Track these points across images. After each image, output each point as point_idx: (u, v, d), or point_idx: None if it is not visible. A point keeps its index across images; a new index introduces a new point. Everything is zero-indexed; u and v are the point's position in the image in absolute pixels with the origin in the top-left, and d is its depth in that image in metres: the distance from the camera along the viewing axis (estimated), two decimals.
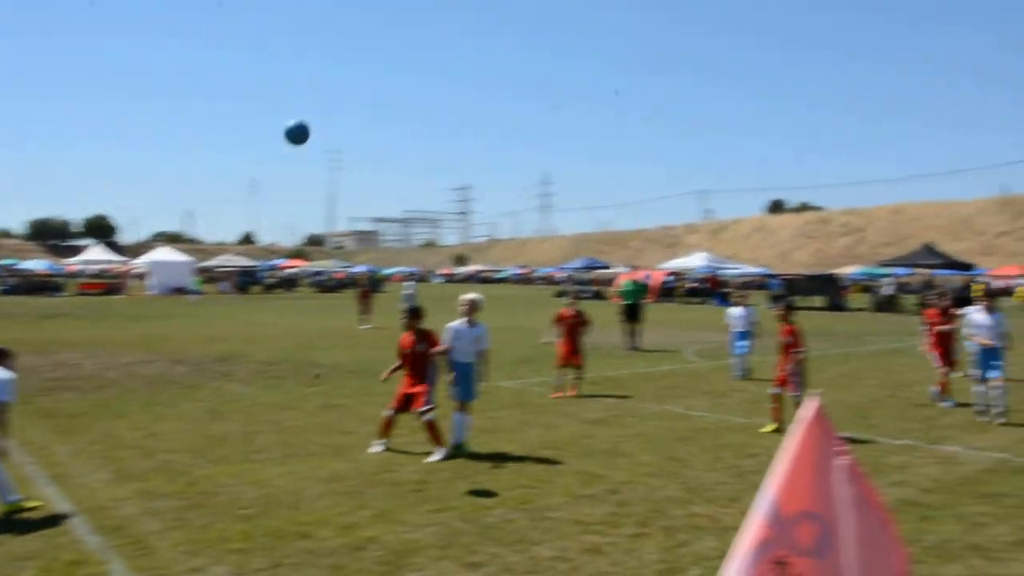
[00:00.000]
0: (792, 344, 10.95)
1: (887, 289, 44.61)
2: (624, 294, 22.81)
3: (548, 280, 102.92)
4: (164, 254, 65.24)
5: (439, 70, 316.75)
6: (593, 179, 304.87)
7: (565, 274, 79.21)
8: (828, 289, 43.92)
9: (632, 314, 21.96)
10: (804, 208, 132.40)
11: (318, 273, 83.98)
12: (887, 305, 42.76)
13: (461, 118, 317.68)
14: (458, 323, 9.77)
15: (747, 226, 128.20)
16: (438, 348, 9.67)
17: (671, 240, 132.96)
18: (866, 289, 53.31)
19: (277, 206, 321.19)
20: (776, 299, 12.41)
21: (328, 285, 74.16)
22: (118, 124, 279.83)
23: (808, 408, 3.42)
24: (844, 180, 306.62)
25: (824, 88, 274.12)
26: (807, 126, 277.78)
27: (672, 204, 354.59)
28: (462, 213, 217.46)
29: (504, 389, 14.33)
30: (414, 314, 9.94)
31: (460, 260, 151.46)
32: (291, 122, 8.96)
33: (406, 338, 9.81)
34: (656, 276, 55.39)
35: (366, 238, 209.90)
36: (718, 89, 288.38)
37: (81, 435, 10.23)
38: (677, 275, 57.69)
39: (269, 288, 69.02)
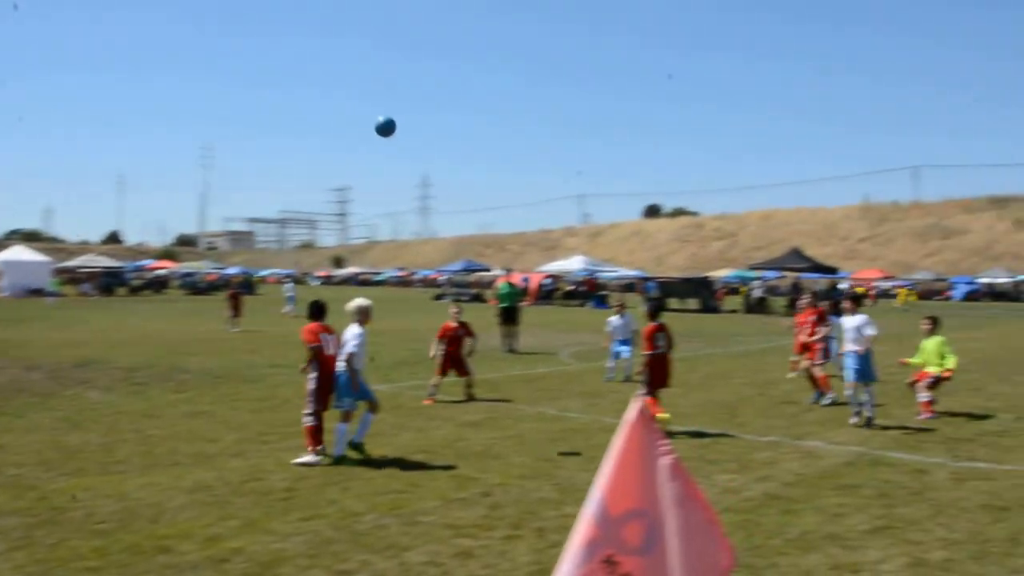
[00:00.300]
0: (646, 345, 11.08)
1: (757, 291, 46.13)
2: (500, 297, 22.76)
3: (427, 283, 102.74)
4: (18, 253, 62.04)
5: (316, 70, 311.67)
6: (473, 182, 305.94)
7: (445, 276, 79.11)
8: (702, 291, 45.12)
9: (509, 317, 22.00)
10: (679, 213, 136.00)
11: (189, 275, 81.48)
12: (757, 307, 44.24)
13: (340, 118, 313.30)
14: (359, 329, 9.49)
15: (624, 230, 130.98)
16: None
17: (550, 243, 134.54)
18: (737, 291, 55.09)
19: (146, 204, 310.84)
20: (649, 301, 12.57)
21: (200, 287, 72.11)
22: None
23: (632, 409, 3.45)
24: (717, 186, 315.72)
25: (699, 93, 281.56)
26: (682, 132, 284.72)
27: (551, 208, 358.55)
28: (340, 214, 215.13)
29: (379, 393, 14.10)
30: (319, 310, 9.75)
31: (338, 262, 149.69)
32: (381, 118, 9.17)
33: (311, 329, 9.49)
34: (534, 279, 55.85)
35: (240, 239, 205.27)
36: (596, 94, 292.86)
37: None
38: (555, 278, 58.34)
39: (136, 290, 66.58)
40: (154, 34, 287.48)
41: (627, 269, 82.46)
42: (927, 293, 73.34)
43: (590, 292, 53.81)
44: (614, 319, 16.44)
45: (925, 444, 10.32)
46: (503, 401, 13.42)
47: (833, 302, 12.23)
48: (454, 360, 14.03)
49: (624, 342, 16.17)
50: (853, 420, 11.53)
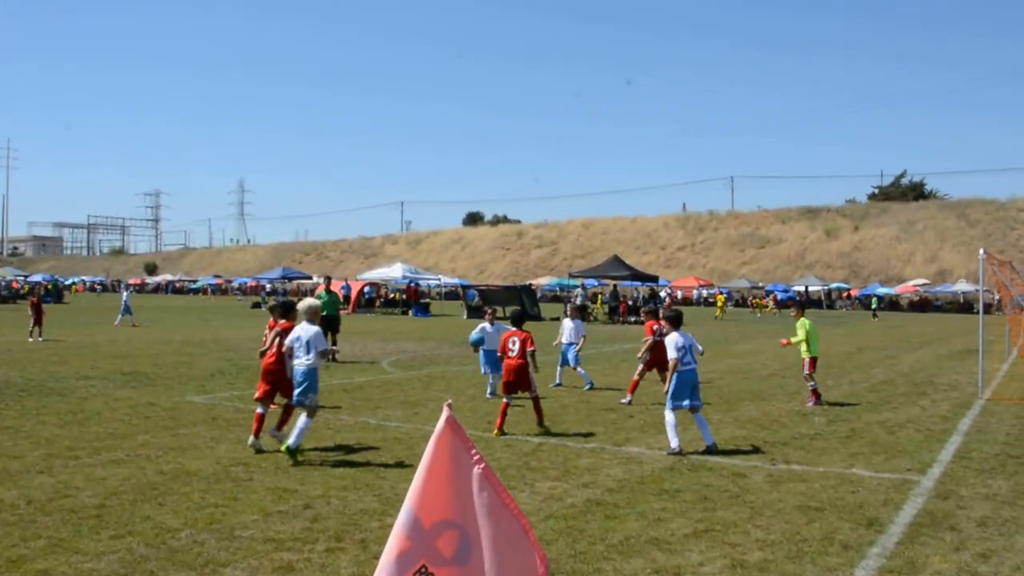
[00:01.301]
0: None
1: (578, 299, 47.21)
2: (320, 305, 22.33)
3: (245, 291, 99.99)
4: None
5: (123, 65, 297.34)
6: (290, 188, 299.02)
7: (265, 284, 77.24)
8: (523, 299, 45.77)
9: (329, 325, 21.64)
10: (501, 221, 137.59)
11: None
12: (579, 313, 45.37)
13: (153, 121, 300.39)
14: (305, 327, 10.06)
15: (446, 238, 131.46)
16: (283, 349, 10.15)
17: (370, 251, 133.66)
18: (558, 298, 56.21)
19: None
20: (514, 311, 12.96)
21: (2, 296, 67.58)
22: None
23: (441, 418, 3.50)
24: (538, 195, 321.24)
25: (520, 101, 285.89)
26: (504, 139, 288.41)
27: (371, 215, 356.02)
28: (153, 220, 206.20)
29: (193, 404, 13.74)
30: (287, 308, 10.88)
31: (151, 269, 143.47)
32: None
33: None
34: (355, 286, 55.33)
35: (47, 244, 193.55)
36: (415, 101, 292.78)
37: None
38: (376, 285, 57.99)
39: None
40: None
41: (449, 277, 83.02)
42: (741, 301, 77.16)
43: (411, 300, 53.80)
44: (568, 322, 17.29)
45: (743, 449, 10.78)
46: (320, 410, 13.28)
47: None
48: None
49: (571, 346, 16.97)
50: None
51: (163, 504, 7.71)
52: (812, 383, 14.93)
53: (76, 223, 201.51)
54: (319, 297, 22.84)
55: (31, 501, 7.69)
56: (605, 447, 10.77)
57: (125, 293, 40.42)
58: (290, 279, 72.56)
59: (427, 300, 60.09)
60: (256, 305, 61.61)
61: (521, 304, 44.30)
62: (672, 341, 10.73)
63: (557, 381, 16.70)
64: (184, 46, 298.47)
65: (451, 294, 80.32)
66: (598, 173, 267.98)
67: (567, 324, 17.21)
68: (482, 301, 45.66)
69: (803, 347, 15.05)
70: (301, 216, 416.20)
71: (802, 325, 15.15)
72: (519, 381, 11.56)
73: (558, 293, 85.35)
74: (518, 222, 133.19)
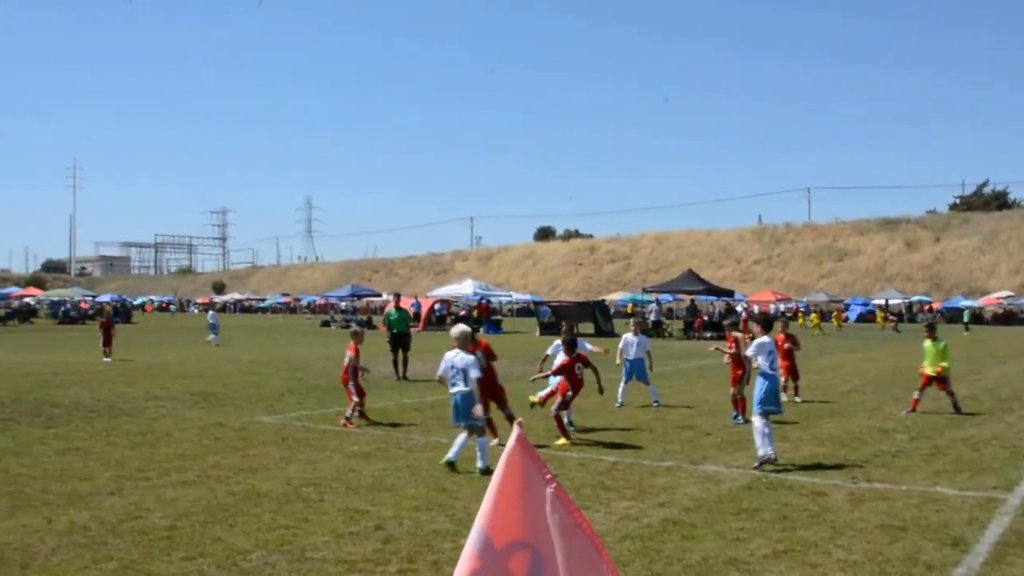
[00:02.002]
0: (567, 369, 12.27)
1: (652, 314, 46.85)
2: (390, 322, 22.52)
3: (313, 309, 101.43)
4: None
5: (194, 86, 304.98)
6: (359, 205, 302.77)
7: (335, 302, 78.29)
8: (596, 315, 45.64)
9: (399, 343, 21.84)
10: (572, 236, 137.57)
11: (59, 303, 78.66)
12: (653, 330, 44.98)
13: (219, 138, 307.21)
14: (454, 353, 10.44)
15: (516, 253, 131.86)
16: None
17: (440, 267, 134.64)
18: (631, 314, 55.83)
19: (10, 229, 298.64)
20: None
21: (71, 316, 69.65)
22: None
23: (512, 437, 3.48)
24: (611, 208, 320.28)
25: (588, 113, 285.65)
26: (575, 153, 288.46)
27: (441, 231, 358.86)
28: (220, 239, 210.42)
29: (263, 424, 13.93)
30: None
31: (219, 288, 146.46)
32: None
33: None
34: (425, 303, 55.75)
35: (114, 264, 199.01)
36: (485, 116, 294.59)
37: None
38: (446, 302, 58.36)
39: (0, 320, 64.01)
40: (20, 31, 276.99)
41: (520, 293, 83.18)
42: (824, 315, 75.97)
43: (482, 317, 53.96)
44: (631, 336, 16.94)
45: (823, 466, 10.61)
46: (393, 429, 13.36)
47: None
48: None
49: (635, 363, 16.65)
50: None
51: (234, 525, 7.80)
52: (918, 394, 15.31)
53: (143, 242, 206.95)
54: (389, 315, 23.05)
55: (103, 523, 7.85)
56: (681, 465, 10.68)
57: (212, 313, 41.43)
58: (359, 296, 73.41)
59: (498, 317, 60.20)
60: (325, 323, 62.48)
61: (594, 320, 44.24)
62: (759, 344, 10.88)
63: (620, 401, 16.37)
64: (249, 61, 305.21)
65: (523, 310, 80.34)
66: (670, 186, 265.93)
67: (630, 340, 16.79)
68: (555, 317, 45.61)
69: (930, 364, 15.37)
70: (369, 233, 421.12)
71: (936, 347, 15.35)
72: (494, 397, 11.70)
73: (631, 308, 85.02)
74: (590, 236, 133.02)
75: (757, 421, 10.56)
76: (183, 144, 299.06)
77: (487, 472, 9.77)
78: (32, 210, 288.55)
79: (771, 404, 10.71)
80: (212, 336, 37.40)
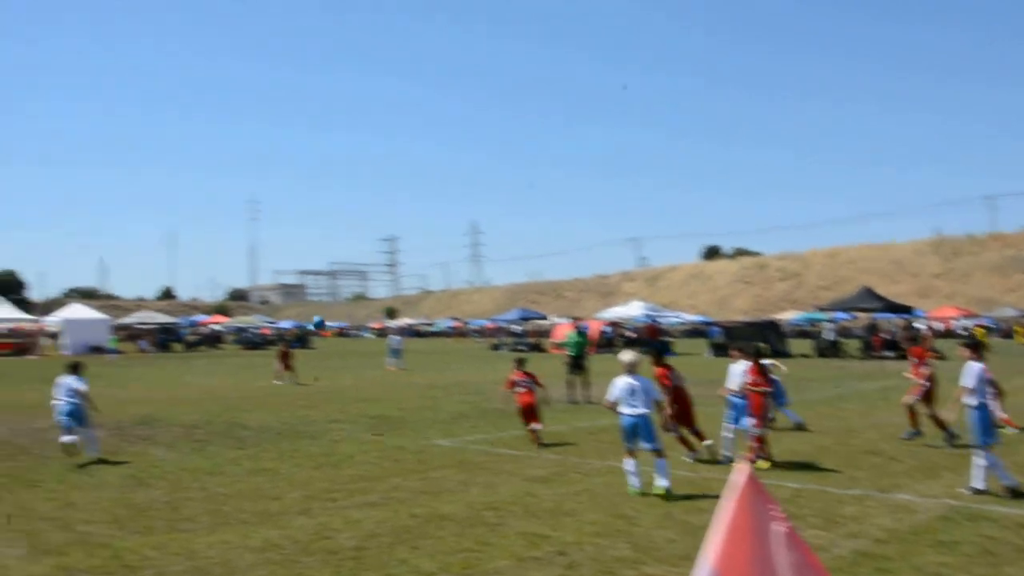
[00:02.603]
0: (759, 383, 12.06)
1: (828, 334, 45.24)
2: (570, 345, 22.72)
3: (482, 332, 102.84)
4: (78, 311, 63.85)
5: (361, 119, 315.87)
6: (523, 228, 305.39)
7: (504, 325, 79.25)
8: (769, 335, 44.40)
9: (578, 366, 21.93)
10: (740, 254, 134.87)
11: (243, 329, 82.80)
12: (829, 350, 43.46)
13: (386, 167, 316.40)
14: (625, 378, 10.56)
15: (683, 273, 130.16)
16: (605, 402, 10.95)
17: (607, 289, 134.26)
18: (806, 334, 54.19)
19: (197, 259, 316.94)
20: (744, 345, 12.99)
21: (254, 342, 73.15)
22: (27, 175, 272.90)
23: (740, 474, 3.40)
24: (779, 224, 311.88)
25: (755, 129, 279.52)
26: (741, 169, 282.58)
27: (605, 252, 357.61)
28: (390, 265, 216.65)
29: (440, 448, 14.20)
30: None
31: (391, 313, 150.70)
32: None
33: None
34: (594, 326, 55.68)
35: (292, 292, 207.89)
36: (648, 133, 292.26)
37: None
38: (615, 325, 58.11)
39: (191, 346, 67.91)
40: (197, 81, 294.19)
41: (689, 314, 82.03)
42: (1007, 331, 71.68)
43: (651, 339, 53.45)
44: (736, 366, 12.97)
45: None
46: (569, 453, 13.37)
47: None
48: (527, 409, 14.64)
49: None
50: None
51: (417, 548, 7.97)
52: None
53: (318, 270, 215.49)
54: (568, 338, 23.19)
55: (295, 541, 8.17)
56: (870, 493, 10.24)
57: (397, 338, 41.91)
58: (527, 320, 74.01)
59: (668, 339, 59.46)
60: (495, 347, 63.26)
61: (768, 341, 42.94)
62: (973, 371, 10.41)
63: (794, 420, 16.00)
64: (416, 95, 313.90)
65: (692, 332, 79.31)
66: (841, 199, 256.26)
67: (736, 370, 13.06)
68: (727, 338, 44.74)
69: None
70: (535, 256, 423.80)
71: None
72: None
73: (805, 328, 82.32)
74: (759, 254, 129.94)
75: (983, 459, 10.09)
76: (353, 176, 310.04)
77: (669, 493, 9.83)
78: (217, 243, 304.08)
79: (991, 436, 10.21)
80: (392, 360, 37.80)
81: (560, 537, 8.27)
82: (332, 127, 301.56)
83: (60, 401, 13.16)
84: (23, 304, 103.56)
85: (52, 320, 62.67)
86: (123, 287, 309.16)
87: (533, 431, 14.40)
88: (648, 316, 55.27)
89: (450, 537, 8.33)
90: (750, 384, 12.21)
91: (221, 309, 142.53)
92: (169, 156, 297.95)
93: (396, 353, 38.26)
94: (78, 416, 13.10)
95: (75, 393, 13.22)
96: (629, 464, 10.38)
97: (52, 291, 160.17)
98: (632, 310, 56.43)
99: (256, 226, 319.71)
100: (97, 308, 74.14)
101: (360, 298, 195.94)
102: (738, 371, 12.64)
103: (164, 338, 66.02)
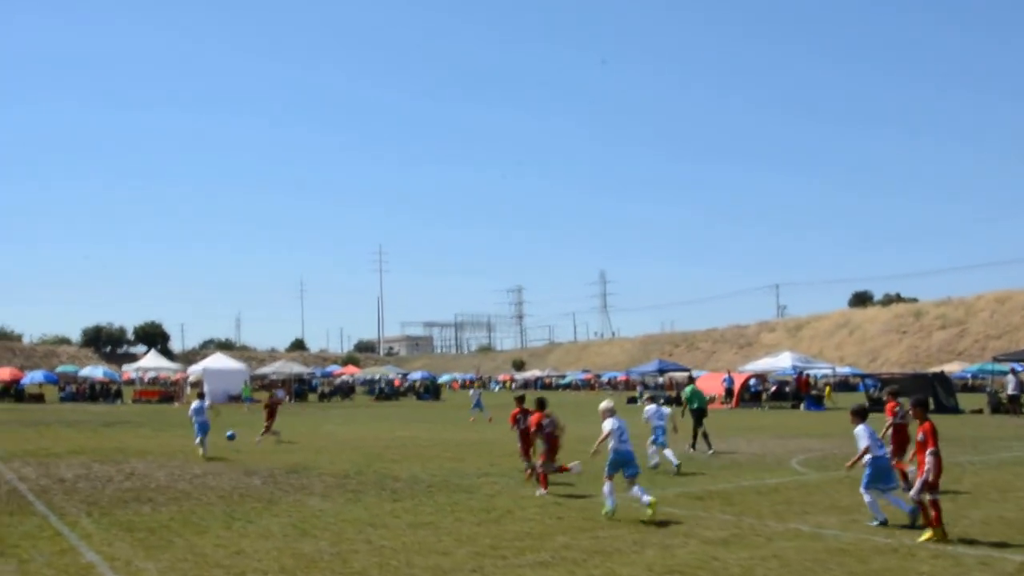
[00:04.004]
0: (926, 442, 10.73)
1: (1011, 388, 41.88)
2: (691, 399, 23.32)
3: (614, 384, 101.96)
4: (218, 361, 66.36)
5: (484, 166, 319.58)
6: (653, 277, 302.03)
7: (638, 377, 78.38)
8: (936, 389, 42.16)
9: (699, 417, 22.83)
10: (893, 300, 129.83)
11: (374, 380, 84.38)
12: (1009, 406, 40.55)
13: (512, 220, 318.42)
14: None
15: (829, 322, 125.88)
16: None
17: (745, 340, 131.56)
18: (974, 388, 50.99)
19: (324, 310, 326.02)
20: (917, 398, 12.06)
21: (385, 392, 74.35)
22: (168, 227, 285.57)
23: None
24: (937, 267, 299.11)
25: (906, 167, 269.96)
26: (889, 210, 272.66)
27: (741, 301, 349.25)
28: (517, 316, 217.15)
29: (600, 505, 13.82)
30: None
31: (519, 365, 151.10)
32: None
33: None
34: (738, 379, 54.45)
35: (418, 343, 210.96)
36: (785, 174, 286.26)
37: (165, 551, 10.06)
38: (761, 377, 56.67)
39: (325, 396, 69.42)
40: (314, 145, 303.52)
41: (838, 366, 79.45)
42: None
43: (801, 392, 51.84)
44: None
45: None
46: (741, 514, 12.80)
47: None
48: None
49: None
50: None
51: None
52: None
53: (444, 322, 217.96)
54: (687, 391, 23.97)
55: None
56: None
57: (475, 391, 46.04)
58: (664, 372, 73.10)
59: (818, 392, 57.57)
60: (631, 400, 62.49)
61: (935, 395, 40.81)
62: None
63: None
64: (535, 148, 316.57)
65: (842, 384, 76.70)
66: (1008, 238, 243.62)
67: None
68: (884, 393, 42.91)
69: None
70: (665, 305, 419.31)
71: None
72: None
73: (971, 381, 78.56)
74: (915, 300, 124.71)
75: None
76: (478, 227, 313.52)
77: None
78: (344, 293, 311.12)
79: None
80: (477, 410, 40.03)
81: None
82: (460, 162, 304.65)
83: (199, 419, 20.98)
84: (167, 353, 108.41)
85: (194, 369, 65.17)
86: (255, 338, 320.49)
87: (560, 469, 15.90)
88: (798, 367, 53.69)
89: None
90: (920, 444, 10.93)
91: (351, 360, 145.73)
92: (290, 209, 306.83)
93: (478, 405, 41.11)
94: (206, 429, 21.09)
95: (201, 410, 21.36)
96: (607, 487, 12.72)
97: (191, 342, 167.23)
98: (780, 361, 54.97)
99: (382, 276, 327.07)
100: (234, 358, 76.60)
101: (486, 350, 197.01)
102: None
103: (300, 388, 67.72)
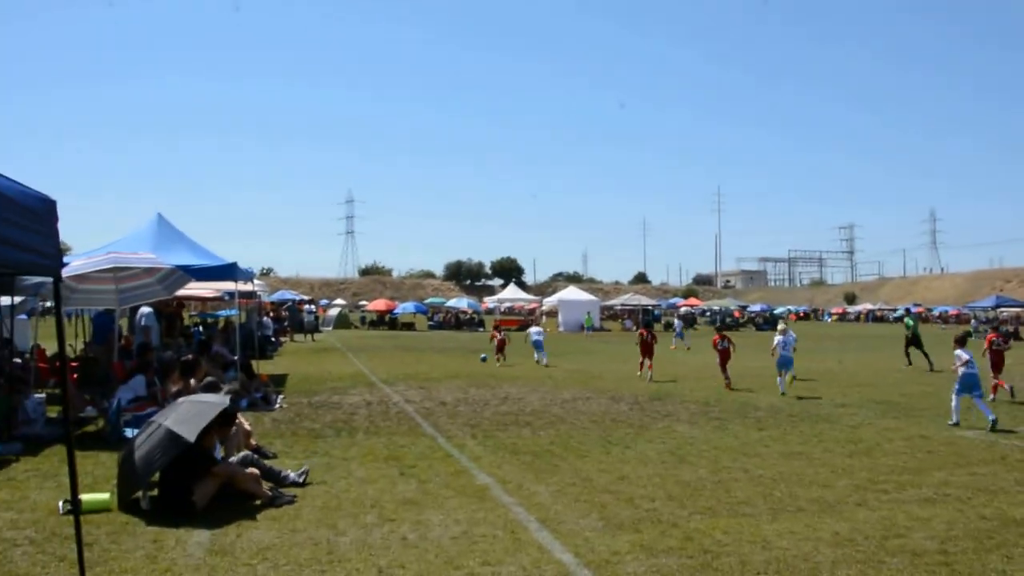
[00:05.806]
0: None
1: None
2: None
3: (944, 319, 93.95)
4: (571, 293, 67.93)
5: (813, 102, 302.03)
6: (983, 215, 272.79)
7: (971, 312, 71.59)
8: None
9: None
10: None
11: (717, 311, 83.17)
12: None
13: (846, 155, 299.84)
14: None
15: None
16: None
17: None
18: None
19: (663, 247, 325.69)
20: None
21: (727, 324, 73.01)
22: (526, 167, 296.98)
23: None
24: None
25: None
26: None
27: None
28: (848, 252, 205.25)
29: (968, 440, 12.41)
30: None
31: (850, 299, 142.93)
32: None
33: None
34: None
35: (753, 277, 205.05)
36: None
37: (552, 475, 9.74)
38: None
39: (668, 327, 69.23)
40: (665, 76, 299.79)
41: None
42: None
43: None
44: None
45: None
46: None
47: None
48: None
49: None
50: None
51: (1011, 557, 6.64)
52: None
53: (777, 257, 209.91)
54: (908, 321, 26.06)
55: (867, 537, 7.19)
56: None
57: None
58: (1001, 307, 66.24)
59: None
60: (968, 334, 57.12)
61: None
62: None
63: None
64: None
65: None
66: None
67: None
68: None
69: None
70: (995, 243, 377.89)
71: None
72: None
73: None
74: None
75: None
76: (813, 164, 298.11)
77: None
78: (684, 231, 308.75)
79: None
80: (677, 338, 42.41)
81: None
82: (792, 99, 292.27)
83: None
84: (522, 286, 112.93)
85: (550, 301, 67.20)
86: (600, 271, 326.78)
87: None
88: None
89: None
90: None
91: (690, 293, 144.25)
92: (644, 147, 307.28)
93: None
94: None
95: None
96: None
97: (541, 275, 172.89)
98: None
99: (721, 215, 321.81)
100: (584, 291, 78.15)
101: (818, 284, 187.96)
102: None
103: (645, 319, 67.99)
